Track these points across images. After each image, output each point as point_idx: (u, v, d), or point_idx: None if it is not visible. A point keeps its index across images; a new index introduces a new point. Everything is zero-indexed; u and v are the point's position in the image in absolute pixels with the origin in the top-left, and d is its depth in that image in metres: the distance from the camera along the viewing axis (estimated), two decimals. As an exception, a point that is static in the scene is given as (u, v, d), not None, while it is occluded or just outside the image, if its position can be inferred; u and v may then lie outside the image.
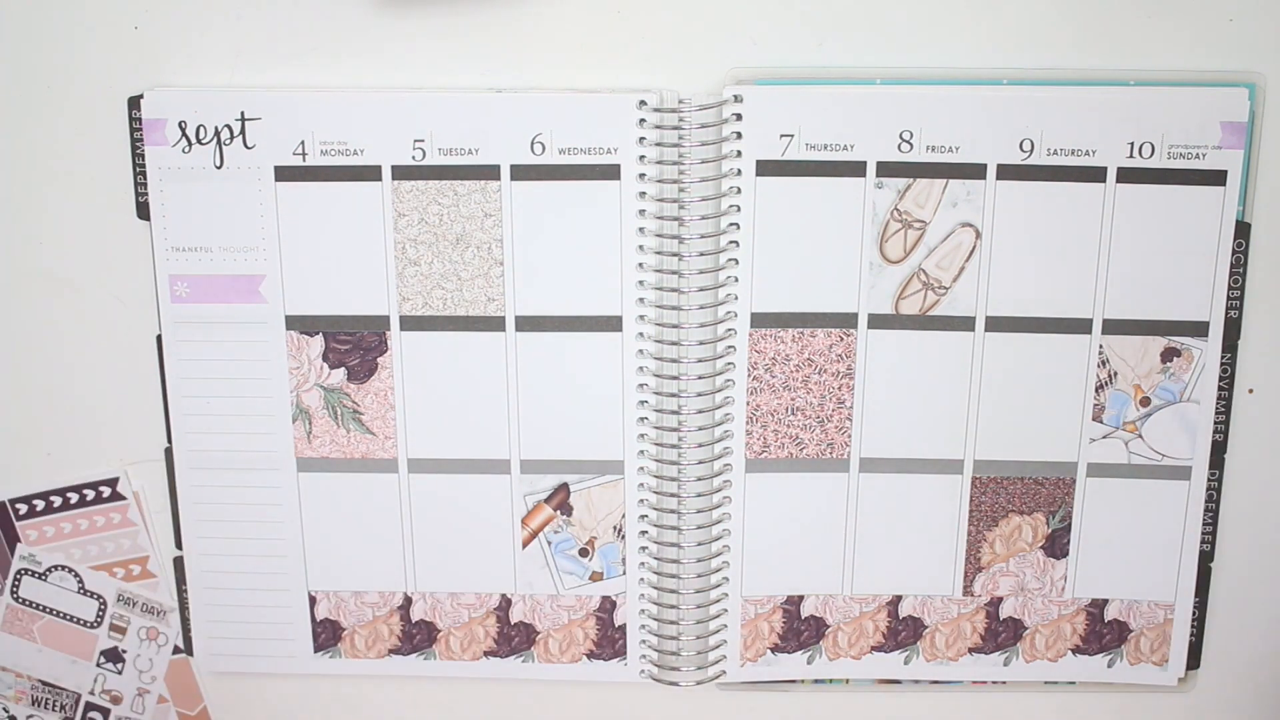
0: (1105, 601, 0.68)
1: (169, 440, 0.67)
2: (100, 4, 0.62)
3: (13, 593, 0.69)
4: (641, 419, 0.65)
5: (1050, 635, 0.68)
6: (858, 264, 0.63)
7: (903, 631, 0.68)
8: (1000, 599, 0.67)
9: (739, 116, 0.61)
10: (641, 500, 0.66)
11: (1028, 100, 0.61)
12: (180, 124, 0.63)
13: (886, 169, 0.62)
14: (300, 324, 0.65)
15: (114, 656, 0.71)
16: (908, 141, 0.62)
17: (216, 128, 0.63)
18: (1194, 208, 0.62)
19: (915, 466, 0.66)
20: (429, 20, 0.62)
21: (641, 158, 0.62)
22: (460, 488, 0.67)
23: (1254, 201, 0.63)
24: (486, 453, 0.66)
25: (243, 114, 0.63)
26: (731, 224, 0.63)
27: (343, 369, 0.66)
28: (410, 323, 0.65)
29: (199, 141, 0.63)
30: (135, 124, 0.63)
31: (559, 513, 0.67)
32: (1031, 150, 0.62)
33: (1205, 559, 0.67)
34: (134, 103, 0.63)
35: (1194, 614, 0.68)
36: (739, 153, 0.62)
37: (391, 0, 0.62)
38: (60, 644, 0.70)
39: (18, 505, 0.69)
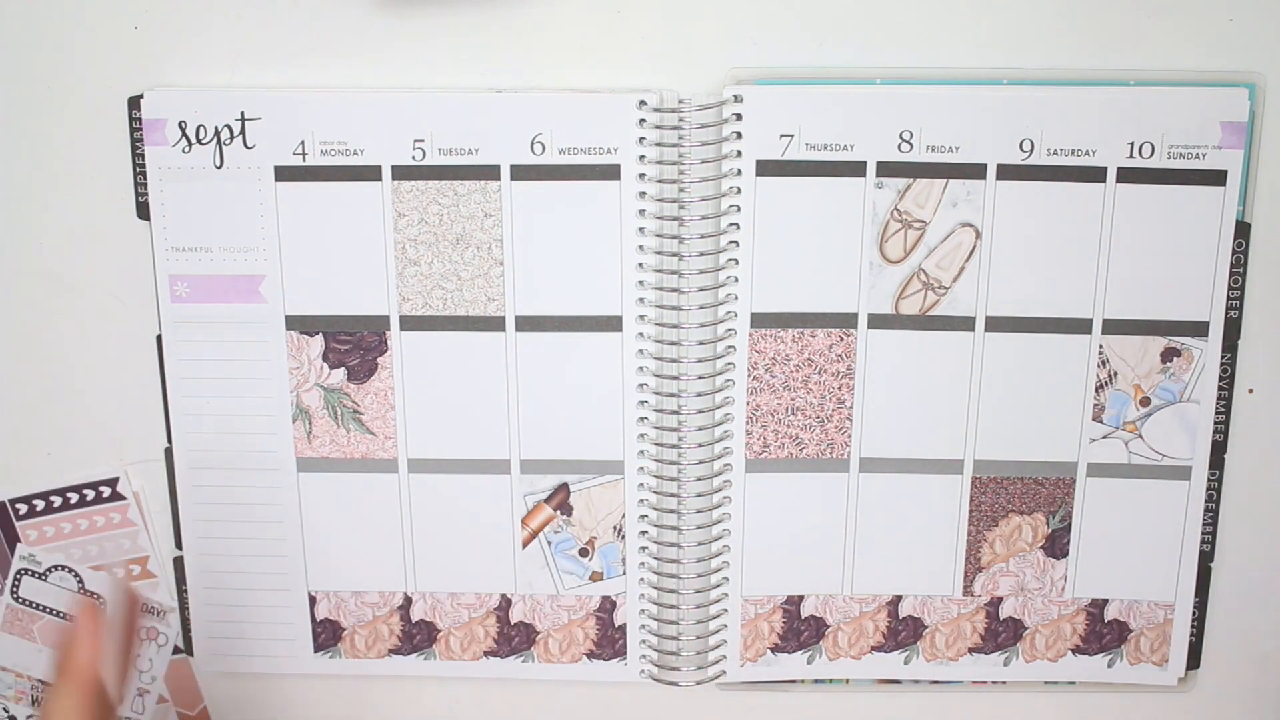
0: (1105, 601, 0.68)
1: (169, 440, 0.68)
2: (100, 4, 0.63)
3: (13, 593, 0.70)
4: (641, 419, 0.66)
5: (1050, 635, 0.68)
6: (858, 264, 0.64)
7: (903, 631, 0.68)
8: (1000, 599, 0.68)
9: (739, 116, 0.62)
10: (641, 500, 0.67)
11: (1027, 100, 0.61)
12: (180, 124, 0.63)
13: (886, 169, 0.62)
14: (300, 324, 0.65)
15: (114, 656, 0.71)
16: (908, 141, 0.62)
17: (216, 128, 0.63)
18: (1194, 208, 0.63)
19: (915, 466, 0.66)
20: (429, 20, 0.62)
21: (641, 158, 0.62)
22: (460, 488, 0.67)
23: (1254, 201, 0.63)
24: (486, 453, 0.67)
25: (243, 114, 0.63)
26: (731, 224, 0.63)
27: (343, 369, 0.66)
28: (410, 323, 0.65)
29: (199, 141, 0.63)
30: (135, 124, 0.64)
31: (559, 513, 0.67)
32: (1031, 150, 0.62)
33: (1205, 559, 0.67)
34: (134, 103, 0.63)
35: (1194, 614, 0.68)
36: (739, 153, 0.62)
37: (391, 0, 0.62)
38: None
39: (18, 505, 0.69)
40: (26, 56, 0.63)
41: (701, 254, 0.63)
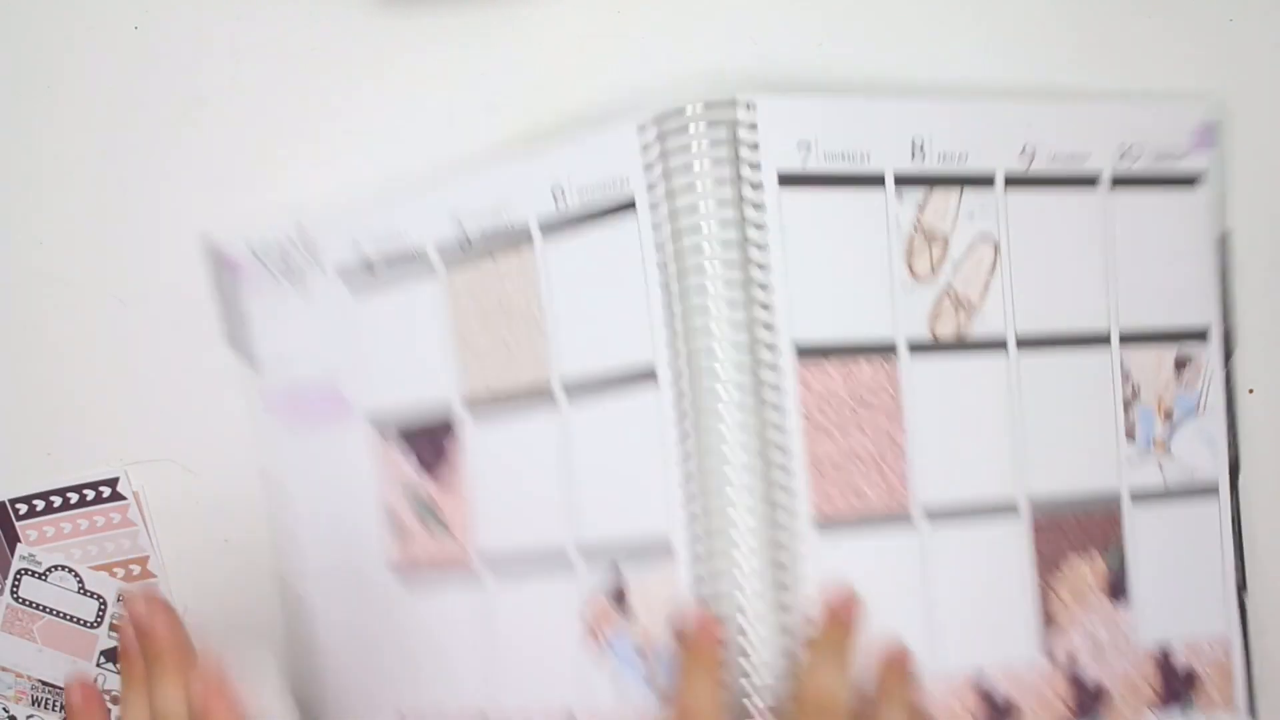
0: (1169, 646, 0.66)
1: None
2: (100, 4, 0.64)
3: (13, 593, 0.71)
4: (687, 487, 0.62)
5: (1127, 693, 0.66)
6: (888, 282, 0.63)
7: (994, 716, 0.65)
8: (1078, 659, 0.65)
9: (753, 126, 0.60)
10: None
11: (1020, 108, 0.63)
12: (253, 252, 0.68)
13: (903, 179, 0.62)
14: (377, 421, 0.69)
15: (114, 656, 0.72)
16: (920, 149, 0.62)
17: (280, 244, 0.67)
18: (1177, 212, 0.65)
19: (973, 511, 0.63)
20: (425, 26, 0.64)
21: (651, 187, 0.61)
22: (525, 595, 0.66)
23: (1231, 211, 0.66)
24: (545, 543, 0.66)
25: (301, 228, 0.67)
26: (755, 246, 0.61)
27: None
28: (475, 410, 0.67)
29: (277, 271, 0.68)
30: (213, 264, 0.68)
31: (617, 609, 0.64)
32: (1033, 157, 0.63)
33: (1239, 589, 0.66)
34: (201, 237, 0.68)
35: (1243, 652, 0.67)
36: (748, 164, 0.60)
37: (388, 10, 0.63)
38: (60, 644, 0.72)
39: (18, 505, 0.71)
40: (27, 57, 0.65)
41: (727, 282, 0.61)
